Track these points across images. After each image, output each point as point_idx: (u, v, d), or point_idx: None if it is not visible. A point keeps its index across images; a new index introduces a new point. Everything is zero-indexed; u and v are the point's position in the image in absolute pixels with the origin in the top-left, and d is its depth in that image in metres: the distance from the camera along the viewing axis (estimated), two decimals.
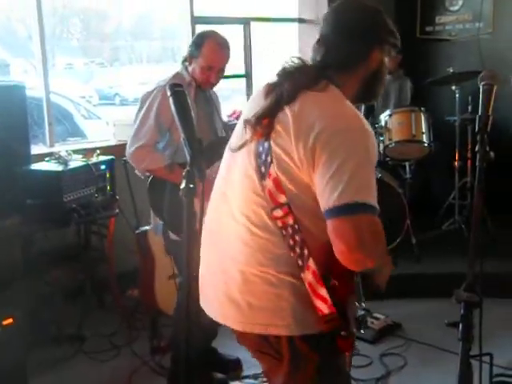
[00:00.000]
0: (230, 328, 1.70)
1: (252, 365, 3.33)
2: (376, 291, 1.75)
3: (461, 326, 1.44)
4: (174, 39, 13.76)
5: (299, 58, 1.67)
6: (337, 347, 1.57)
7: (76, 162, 3.40)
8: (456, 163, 4.62)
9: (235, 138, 1.69)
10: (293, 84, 1.59)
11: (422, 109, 4.50)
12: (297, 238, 1.50)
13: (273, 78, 1.68)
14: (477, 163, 1.70)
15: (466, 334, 1.40)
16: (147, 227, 3.48)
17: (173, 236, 2.85)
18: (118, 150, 4.08)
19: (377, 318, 3.70)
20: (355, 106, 1.62)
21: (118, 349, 3.51)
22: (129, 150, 2.80)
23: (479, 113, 1.74)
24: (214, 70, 2.86)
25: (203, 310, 3.06)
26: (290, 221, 1.50)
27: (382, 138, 4.48)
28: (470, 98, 4.63)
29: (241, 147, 1.63)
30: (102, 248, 3.84)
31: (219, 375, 3.19)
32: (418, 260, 4.34)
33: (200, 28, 4.97)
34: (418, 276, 4.21)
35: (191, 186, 1.17)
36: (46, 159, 3.44)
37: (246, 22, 5.28)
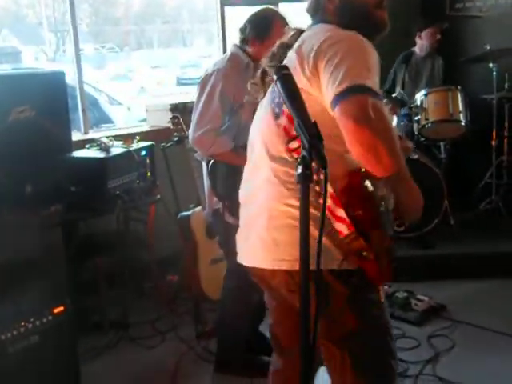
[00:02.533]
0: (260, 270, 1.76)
1: None
2: (411, 221, 1.75)
3: None
4: (183, 23, 13.64)
5: None
6: (367, 282, 1.61)
7: (117, 148, 3.38)
8: (493, 142, 4.56)
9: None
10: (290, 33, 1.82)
11: (459, 87, 4.43)
12: (313, 164, 1.50)
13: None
14: None
15: None
16: (190, 212, 3.48)
17: (230, 219, 2.83)
18: (152, 135, 4.09)
19: (420, 300, 3.67)
20: None
21: (163, 334, 3.52)
22: (194, 135, 2.75)
23: None
24: None
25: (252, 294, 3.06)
26: None
27: (417, 118, 4.43)
28: (506, 76, 4.55)
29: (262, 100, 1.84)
30: (141, 234, 3.84)
31: (267, 358, 3.18)
32: (457, 240, 4.30)
33: (229, 10, 4.94)
34: (458, 257, 4.16)
35: (307, 172, 1.12)
36: (87, 146, 3.43)
37: (274, 3, 5.21)
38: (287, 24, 2.81)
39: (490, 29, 5.36)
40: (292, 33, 1.82)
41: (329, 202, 1.52)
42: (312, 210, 1.41)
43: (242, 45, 2.86)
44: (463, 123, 4.40)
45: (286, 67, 1.39)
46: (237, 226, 2.83)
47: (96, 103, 6.30)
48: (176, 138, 3.47)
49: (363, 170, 1.52)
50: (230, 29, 4.95)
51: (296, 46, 1.71)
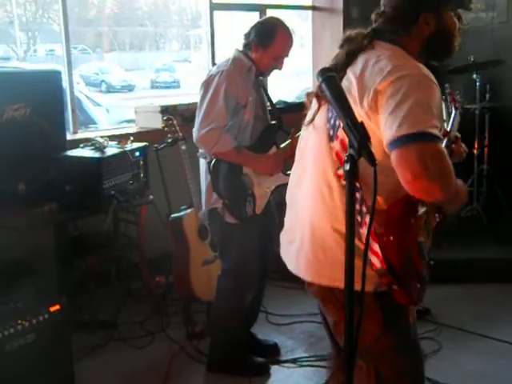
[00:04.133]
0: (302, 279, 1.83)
1: (289, 350, 3.39)
2: (447, 220, 1.81)
3: None
4: (157, 26, 13.62)
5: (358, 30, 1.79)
6: (397, 304, 1.65)
7: (112, 148, 3.39)
8: (475, 151, 4.69)
9: (308, 113, 1.83)
10: (348, 48, 1.73)
11: (443, 97, 4.52)
12: (357, 195, 1.55)
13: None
14: None
15: None
16: (182, 213, 3.50)
17: (230, 219, 2.87)
18: (143, 136, 4.09)
19: None
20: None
21: (153, 335, 3.53)
22: (199, 133, 2.78)
23: None
24: (283, 58, 2.92)
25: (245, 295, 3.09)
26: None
27: None
28: (488, 87, 4.69)
29: (312, 120, 1.78)
30: (132, 235, 3.85)
31: (260, 359, 3.23)
32: (440, 247, 4.40)
33: (219, 14, 4.99)
34: (440, 262, 4.22)
35: (354, 169, 1.17)
36: (81, 145, 3.43)
37: (261, 9, 5.27)
38: (291, 35, 2.89)
39: (472, 41, 5.49)
40: (359, 38, 1.76)
41: (366, 233, 1.54)
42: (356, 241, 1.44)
43: (244, 50, 2.92)
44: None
45: (330, 69, 1.42)
46: (236, 226, 2.88)
47: (80, 104, 6.27)
48: (170, 140, 3.50)
49: (408, 198, 1.56)
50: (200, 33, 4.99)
51: (359, 68, 1.66)
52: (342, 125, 1.56)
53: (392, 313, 1.71)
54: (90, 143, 3.39)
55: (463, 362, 3.20)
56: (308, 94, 1.82)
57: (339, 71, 1.68)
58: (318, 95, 1.73)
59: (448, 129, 2.10)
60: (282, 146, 3.01)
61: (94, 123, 6.22)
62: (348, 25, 5.39)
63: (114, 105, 9.37)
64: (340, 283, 1.53)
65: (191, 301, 3.57)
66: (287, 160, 2.95)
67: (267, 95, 3.05)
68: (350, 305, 1.29)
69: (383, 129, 1.53)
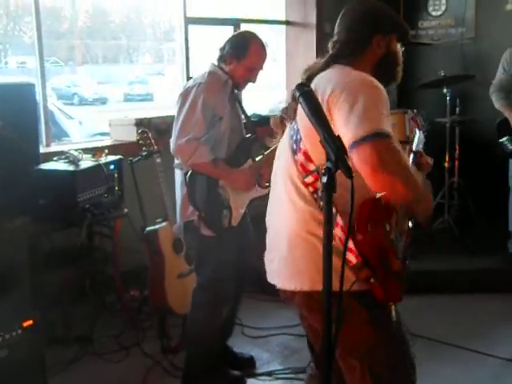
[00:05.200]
0: (282, 291, 1.89)
1: (265, 362, 3.40)
2: (422, 228, 1.92)
3: None
4: (130, 39, 13.62)
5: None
6: (379, 302, 1.73)
7: (86, 161, 3.38)
8: (446, 164, 4.77)
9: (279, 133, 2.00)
10: (309, 73, 1.88)
11: (415, 111, 4.61)
12: (319, 193, 1.67)
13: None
14: None
15: None
16: (157, 226, 3.49)
17: (206, 231, 2.87)
18: (117, 149, 4.08)
19: None
20: None
21: (127, 349, 3.50)
22: (176, 143, 2.78)
23: None
24: (257, 70, 2.94)
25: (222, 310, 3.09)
26: (319, 184, 1.67)
27: None
28: (458, 101, 4.79)
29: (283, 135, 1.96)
30: (106, 248, 3.82)
31: (235, 372, 3.22)
32: (411, 258, 4.44)
33: (193, 28, 5.02)
34: (413, 273, 4.29)
35: (332, 182, 1.20)
36: (55, 158, 3.41)
37: (236, 24, 5.32)
38: (264, 47, 2.93)
39: (443, 56, 5.63)
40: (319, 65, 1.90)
41: (340, 232, 1.65)
42: (316, 213, 1.57)
43: (219, 63, 2.95)
44: None
45: (307, 85, 1.46)
46: (213, 239, 2.89)
47: (52, 117, 6.22)
48: (144, 153, 3.50)
49: (377, 197, 1.64)
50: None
51: (313, 84, 1.77)
52: (302, 138, 1.74)
53: (376, 311, 1.77)
54: (63, 156, 3.37)
55: (437, 372, 3.23)
56: (273, 118, 1.98)
57: None
58: (283, 118, 1.91)
59: (414, 147, 2.19)
60: (257, 159, 3.03)
61: (67, 136, 6.18)
62: (321, 40, 5.48)
63: (87, 118, 9.31)
64: (320, 285, 1.57)
65: (166, 314, 3.55)
66: (262, 174, 2.98)
67: (242, 108, 3.07)
68: (329, 304, 1.31)
69: (341, 136, 1.60)
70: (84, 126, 8.23)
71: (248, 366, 3.31)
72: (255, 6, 5.71)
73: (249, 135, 3.02)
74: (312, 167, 1.75)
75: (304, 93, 1.37)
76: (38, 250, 3.36)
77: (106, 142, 4.46)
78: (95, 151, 3.50)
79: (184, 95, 2.83)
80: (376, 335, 1.78)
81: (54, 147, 4.20)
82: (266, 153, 2.99)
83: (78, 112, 9.96)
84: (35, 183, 3.20)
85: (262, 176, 2.98)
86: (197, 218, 2.87)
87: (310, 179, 1.76)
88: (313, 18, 5.58)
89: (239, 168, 2.96)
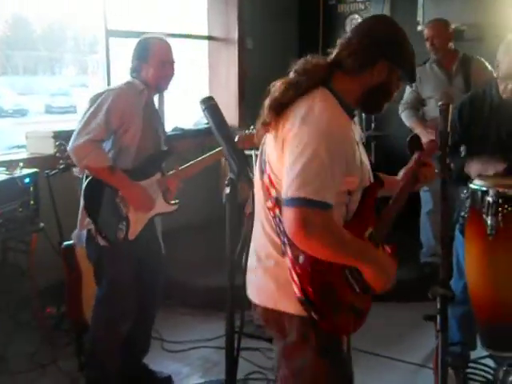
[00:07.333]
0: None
1: (184, 377, 3.39)
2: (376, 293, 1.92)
3: (439, 318, 1.60)
4: (52, 50, 13.33)
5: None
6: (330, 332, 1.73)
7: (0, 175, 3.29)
8: None
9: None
10: (293, 89, 1.71)
11: None
12: (281, 227, 1.68)
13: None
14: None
15: (444, 326, 1.56)
16: (73, 240, 3.43)
17: (101, 241, 2.81)
18: (34, 162, 3.98)
19: None
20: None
21: (44, 367, 3.41)
22: (73, 144, 2.69)
23: (439, 129, 1.91)
24: (169, 63, 2.92)
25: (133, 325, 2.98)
26: (277, 211, 1.69)
27: None
28: (373, 117, 4.97)
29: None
30: (21, 264, 3.72)
31: None
32: None
33: (114, 41, 4.99)
34: None
35: (234, 192, 1.23)
36: None
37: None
38: (164, 40, 2.95)
39: None
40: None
41: (288, 263, 1.67)
42: (274, 237, 1.63)
43: (134, 74, 2.94)
44: None
45: (212, 98, 1.47)
46: (109, 250, 2.81)
47: None
48: (62, 166, 3.44)
49: None
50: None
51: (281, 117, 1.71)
52: (267, 162, 1.70)
53: (326, 340, 1.75)
54: None
55: None
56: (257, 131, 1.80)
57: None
58: (256, 134, 1.76)
59: None
60: (170, 173, 2.99)
61: None
62: (243, 54, 5.57)
63: (5, 130, 9.03)
64: (282, 306, 1.71)
65: (84, 331, 3.49)
66: (171, 189, 2.95)
67: (160, 120, 3.05)
68: (232, 317, 1.35)
69: (282, 178, 1.65)
70: (1, 139, 7.98)
71: None
72: (178, 21, 5.73)
73: (165, 149, 3.00)
74: (273, 193, 1.71)
75: (209, 106, 1.39)
76: None
77: (22, 154, 4.35)
78: (9, 164, 3.41)
79: (92, 100, 2.79)
80: (322, 365, 1.76)
81: None
82: (181, 168, 2.98)
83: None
84: None
85: (171, 191, 2.96)
86: (93, 227, 2.81)
87: (269, 204, 1.73)
88: (235, 34, 5.67)
89: (141, 182, 2.87)
